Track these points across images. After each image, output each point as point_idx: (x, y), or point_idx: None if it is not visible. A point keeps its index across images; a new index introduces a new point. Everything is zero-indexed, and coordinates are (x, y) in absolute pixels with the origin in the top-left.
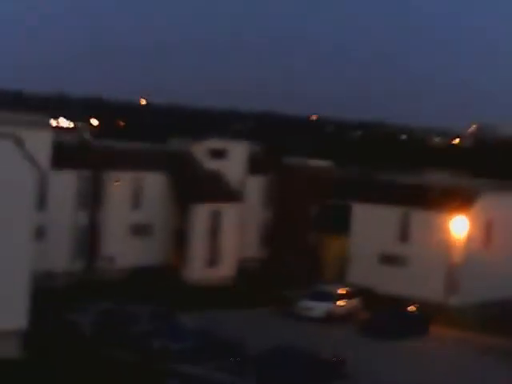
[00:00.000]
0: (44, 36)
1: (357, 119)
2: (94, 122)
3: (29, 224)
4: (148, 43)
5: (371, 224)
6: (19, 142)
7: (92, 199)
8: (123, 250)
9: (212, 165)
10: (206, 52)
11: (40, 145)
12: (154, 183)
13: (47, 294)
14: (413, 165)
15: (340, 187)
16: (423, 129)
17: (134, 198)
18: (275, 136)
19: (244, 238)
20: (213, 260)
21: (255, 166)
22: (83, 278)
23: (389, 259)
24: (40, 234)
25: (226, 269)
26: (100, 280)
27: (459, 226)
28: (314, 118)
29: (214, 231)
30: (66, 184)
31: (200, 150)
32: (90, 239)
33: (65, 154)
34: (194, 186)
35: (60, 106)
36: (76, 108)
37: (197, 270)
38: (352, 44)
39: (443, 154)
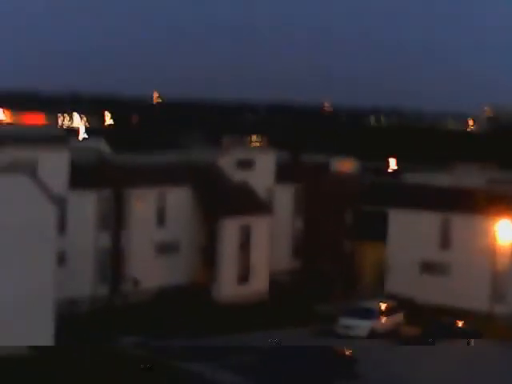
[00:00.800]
0: (56, 36)
1: (369, 105)
2: (108, 119)
3: (50, 257)
4: (156, 39)
5: (409, 231)
6: (35, 176)
7: (114, 219)
8: (149, 271)
9: (239, 176)
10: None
11: (57, 166)
12: (179, 198)
13: (72, 323)
14: (435, 155)
15: (371, 192)
16: (436, 113)
17: (158, 214)
18: (288, 127)
19: (275, 251)
20: (243, 276)
21: (283, 174)
22: (108, 303)
23: (429, 267)
24: (61, 259)
25: (257, 284)
26: (126, 304)
27: (503, 231)
28: (327, 106)
29: (244, 246)
30: (85, 205)
31: (226, 161)
32: (113, 261)
33: (83, 172)
34: (221, 200)
35: (73, 104)
36: (89, 106)
37: (227, 287)
38: (363, 30)
39: (462, 140)
